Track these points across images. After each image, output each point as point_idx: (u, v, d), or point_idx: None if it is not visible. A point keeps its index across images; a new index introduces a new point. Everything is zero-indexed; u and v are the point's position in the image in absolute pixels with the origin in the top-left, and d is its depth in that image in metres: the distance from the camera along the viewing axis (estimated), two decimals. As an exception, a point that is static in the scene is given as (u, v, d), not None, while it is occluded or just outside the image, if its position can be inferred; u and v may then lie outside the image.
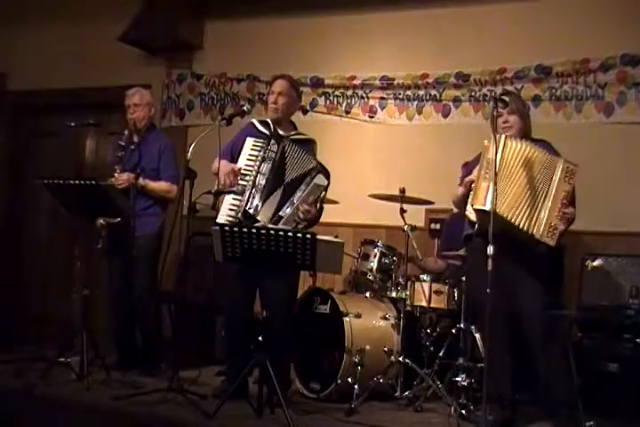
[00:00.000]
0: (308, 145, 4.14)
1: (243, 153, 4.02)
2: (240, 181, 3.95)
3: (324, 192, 3.99)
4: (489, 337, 3.55)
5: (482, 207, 3.47)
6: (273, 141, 4.01)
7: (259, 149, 4.01)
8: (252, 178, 3.96)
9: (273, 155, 3.98)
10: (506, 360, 3.61)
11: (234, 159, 4.06)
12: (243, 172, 3.97)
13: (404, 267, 4.39)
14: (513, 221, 3.49)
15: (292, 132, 4.17)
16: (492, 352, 3.48)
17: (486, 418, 3.33)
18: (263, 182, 3.95)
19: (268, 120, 4.17)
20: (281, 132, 4.12)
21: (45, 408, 3.88)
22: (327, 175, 3.99)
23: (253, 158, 4.00)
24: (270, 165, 3.97)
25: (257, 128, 4.14)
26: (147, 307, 4.66)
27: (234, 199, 3.94)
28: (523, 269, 3.59)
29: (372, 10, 5.44)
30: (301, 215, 3.90)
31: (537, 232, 3.52)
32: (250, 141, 4.04)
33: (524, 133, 3.76)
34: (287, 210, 3.90)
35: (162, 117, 5.95)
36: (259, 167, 3.97)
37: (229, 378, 3.98)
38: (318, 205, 3.98)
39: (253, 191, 3.94)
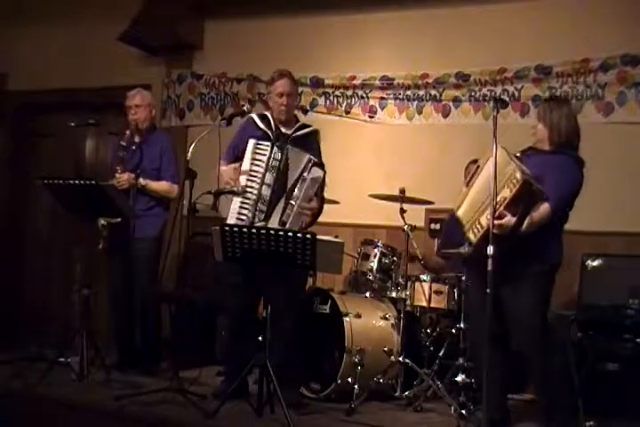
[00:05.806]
0: (310, 138, 4.13)
1: (246, 156, 3.97)
2: (243, 182, 3.92)
3: (321, 183, 3.96)
4: (476, 343, 3.56)
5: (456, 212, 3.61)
6: (276, 149, 3.96)
7: (262, 152, 3.96)
8: (258, 190, 3.91)
9: (277, 163, 3.93)
10: (494, 368, 3.56)
11: (238, 160, 4.02)
12: (250, 176, 3.93)
13: (404, 267, 4.39)
14: (464, 226, 3.53)
15: (295, 128, 4.12)
16: (482, 362, 3.42)
17: (485, 418, 3.33)
18: (268, 193, 3.90)
19: (267, 114, 4.13)
20: (284, 131, 4.08)
21: (45, 408, 3.88)
22: (321, 166, 3.96)
23: (259, 163, 3.95)
24: (275, 174, 3.92)
25: (257, 125, 4.09)
26: (147, 307, 4.66)
27: (241, 207, 3.89)
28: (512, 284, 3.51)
29: (371, 10, 5.44)
30: (307, 212, 3.90)
31: (467, 230, 3.52)
32: (252, 144, 3.98)
33: (552, 143, 3.59)
34: (288, 212, 3.87)
35: (162, 117, 5.95)
36: (263, 177, 3.92)
37: (229, 378, 3.98)
38: (318, 198, 3.96)
39: (260, 205, 3.90)
